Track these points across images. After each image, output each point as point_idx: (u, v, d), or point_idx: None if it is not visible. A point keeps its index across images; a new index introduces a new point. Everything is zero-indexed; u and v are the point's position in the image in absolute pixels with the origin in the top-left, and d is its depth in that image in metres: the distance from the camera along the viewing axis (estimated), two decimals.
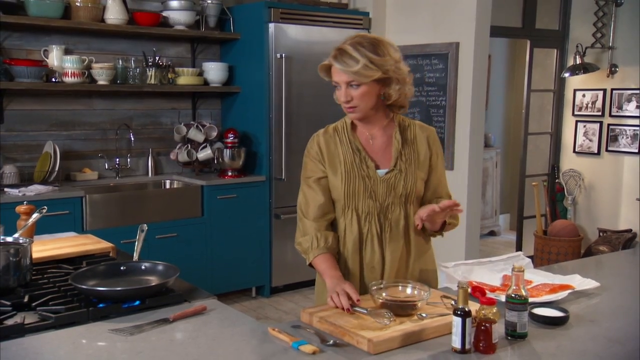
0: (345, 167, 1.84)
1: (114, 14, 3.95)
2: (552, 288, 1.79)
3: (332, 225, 1.90)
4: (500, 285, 1.85)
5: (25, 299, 1.65)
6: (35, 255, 1.90)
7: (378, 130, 1.88)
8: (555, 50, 5.23)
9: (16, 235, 1.91)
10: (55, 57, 3.83)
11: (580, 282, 1.86)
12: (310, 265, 1.86)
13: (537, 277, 1.91)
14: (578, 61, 4.93)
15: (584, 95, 5.12)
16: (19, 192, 3.45)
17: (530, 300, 1.61)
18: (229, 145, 4.28)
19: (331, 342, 1.45)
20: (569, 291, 1.77)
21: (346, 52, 1.76)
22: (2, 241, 1.81)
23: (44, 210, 2.08)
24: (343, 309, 1.59)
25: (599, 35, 4.90)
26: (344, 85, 1.78)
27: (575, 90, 5.17)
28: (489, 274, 1.92)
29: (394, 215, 1.84)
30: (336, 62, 1.77)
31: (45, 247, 2.10)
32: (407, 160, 1.85)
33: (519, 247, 5.25)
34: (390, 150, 1.87)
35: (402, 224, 1.85)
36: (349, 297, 1.61)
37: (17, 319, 1.53)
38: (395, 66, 1.78)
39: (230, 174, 4.28)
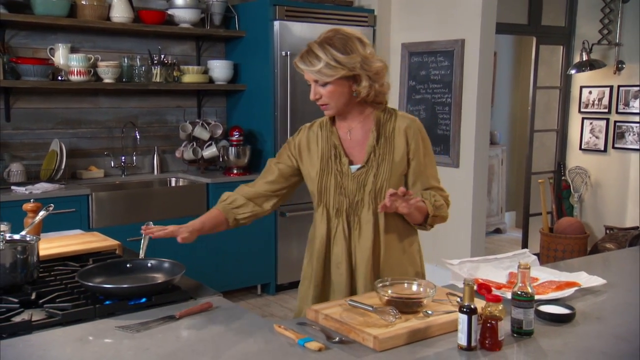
0: (321, 163, 1.87)
1: (120, 12, 3.96)
2: (559, 285, 1.78)
3: (260, 209, 1.93)
4: (506, 282, 1.84)
5: (33, 296, 1.66)
6: (42, 252, 1.91)
7: (357, 124, 1.88)
8: (562, 47, 5.20)
9: (23, 232, 1.92)
10: (61, 55, 3.84)
11: (586, 279, 1.85)
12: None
13: (543, 274, 1.90)
14: (584, 58, 4.91)
15: (590, 92, 5.10)
16: (26, 190, 3.47)
17: (537, 297, 1.61)
18: (234, 143, 4.28)
19: (337, 339, 1.45)
20: (575, 288, 1.76)
21: (312, 51, 1.78)
22: (9, 239, 1.81)
23: (51, 208, 2.08)
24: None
25: (605, 31, 4.87)
26: (313, 83, 1.81)
27: (581, 87, 5.15)
28: (495, 271, 1.91)
29: (363, 212, 1.83)
30: (300, 62, 1.80)
31: (51, 245, 2.11)
32: (380, 155, 1.83)
33: (524, 245, 5.24)
34: (365, 145, 1.86)
35: (372, 221, 1.83)
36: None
37: (25, 316, 1.54)
38: (364, 63, 1.77)
39: (235, 171, 4.28)
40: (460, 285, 1.72)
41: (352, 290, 1.87)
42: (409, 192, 1.69)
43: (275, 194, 1.94)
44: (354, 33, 1.81)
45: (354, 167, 1.84)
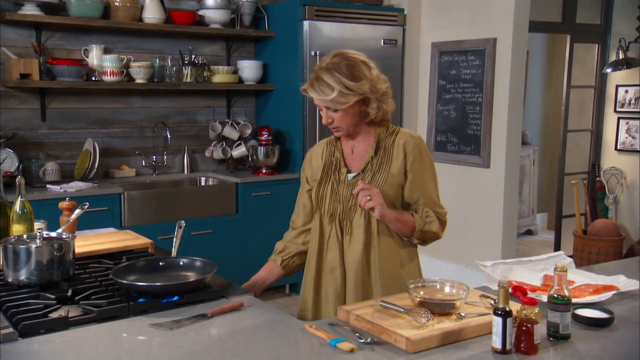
0: (321, 174, 1.93)
1: (152, 14, 4.01)
2: (596, 289, 1.74)
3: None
4: (541, 285, 1.80)
5: (69, 293, 1.69)
6: (77, 250, 1.93)
7: (360, 141, 1.92)
8: (597, 45, 5.09)
9: (59, 230, 1.96)
10: (95, 56, 3.92)
11: (625, 282, 1.80)
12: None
13: (580, 277, 1.86)
14: (621, 56, 4.79)
15: (626, 91, 4.97)
16: (60, 188, 3.54)
17: (573, 301, 1.57)
18: (263, 142, 4.30)
19: (369, 340, 1.44)
20: (613, 292, 1.72)
21: (322, 80, 1.78)
22: (46, 236, 1.85)
23: (86, 206, 2.12)
24: None
25: None
26: (324, 109, 1.84)
27: (617, 86, 5.02)
28: (529, 273, 1.88)
29: (355, 217, 1.85)
30: (312, 91, 1.81)
31: (86, 243, 2.15)
32: (377, 165, 1.86)
33: (557, 247, 5.14)
34: (362, 158, 1.91)
35: (363, 225, 1.83)
36: None
37: (62, 312, 1.57)
38: (372, 86, 1.80)
39: (264, 171, 4.30)
40: (493, 287, 1.70)
41: (345, 296, 1.88)
42: (372, 188, 1.75)
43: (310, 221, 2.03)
44: (359, 57, 1.83)
45: (350, 175, 1.88)
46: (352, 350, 1.37)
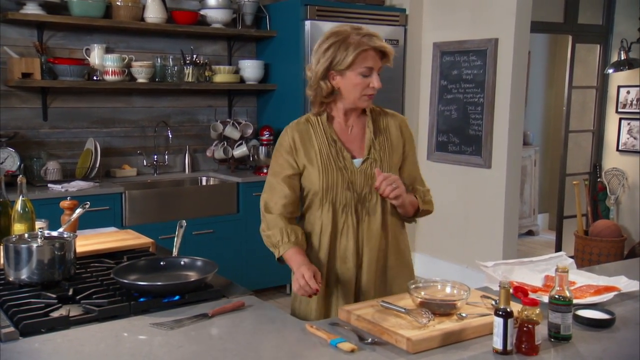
0: (322, 159, 1.84)
1: (154, 13, 4.01)
2: (597, 289, 1.74)
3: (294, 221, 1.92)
4: (542, 285, 1.80)
5: (70, 292, 1.69)
6: (78, 249, 1.94)
7: (355, 119, 1.91)
8: (599, 46, 5.08)
9: (61, 229, 1.96)
10: (96, 55, 3.92)
11: (626, 283, 1.80)
12: (279, 260, 1.87)
13: (581, 277, 1.86)
14: (622, 57, 4.78)
15: (628, 92, 4.96)
16: (62, 187, 3.55)
17: (575, 301, 1.57)
18: (265, 142, 4.30)
19: (369, 340, 1.44)
20: (615, 293, 1.72)
21: (381, 39, 1.80)
22: (47, 235, 1.85)
23: (87, 206, 2.12)
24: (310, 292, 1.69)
25: None
26: (375, 72, 1.81)
27: (619, 87, 5.01)
28: (530, 274, 1.88)
29: (371, 204, 1.86)
30: (385, 45, 1.79)
31: (87, 242, 2.15)
32: (380, 148, 1.88)
33: (558, 247, 5.13)
34: (364, 139, 1.89)
35: (380, 211, 1.86)
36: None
37: (63, 311, 1.57)
38: None
39: (265, 171, 4.30)
40: (494, 288, 1.70)
41: (358, 284, 1.87)
42: (392, 175, 1.76)
43: (295, 209, 1.91)
44: None
45: (357, 161, 1.86)
46: (352, 351, 1.37)
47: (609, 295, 1.69)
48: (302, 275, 1.70)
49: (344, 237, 1.86)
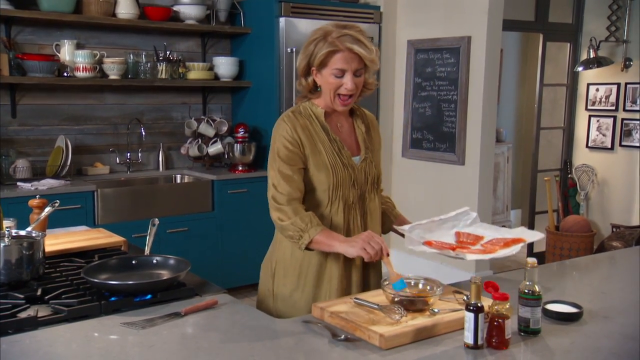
0: (328, 156, 1.80)
1: (125, 9, 3.95)
2: (506, 242, 1.78)
3: None
4: (455, 242, 1.82)
5: (39, 292, 1.66)
6: (47, 248, 1.90)
7: (342, 116, 1.90)
8: (569, 44, 5.17)
9: (29, 228, 1.92)
10: (67, 51, 3.85)
11: (530, 234, 1.86)
12: (307, 247, 1.73)
13: (488, 232, 1.89)
14: (592, 55, 4.87)
15: (597, 90, 5.07)
16: (32, 186, 3.48)
17: (487, 256, 1.67)
18: (240, 139, 4.28)
19: (342, 337, 1.44)
20: (522, 244, 1.77)
21: (363, 39, 1.74)
22: (15, 235, 1.81)
23: (57, 204, 2.08)
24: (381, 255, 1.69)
25: (613, 28, 4.84)
26: (351, 73, 1.74)
27: (588, 85, 5.12)
28: (443, 232, 1.86)
29: (372, 202, 1.88)
30: (359, 47, 1.72)
31: (57, 241, 2.12)
32: (369, 146, 1.91)
33: (530, 243, 5.21)
34: (353, 137, 1.90)
35: (378, 208, 1.92)
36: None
37: (31, 312, 1.54)
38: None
39: (240, 168, 4.28)
40: (415, 248, 1.72)
41: (365, 283, 1.88)
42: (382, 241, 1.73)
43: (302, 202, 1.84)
44: None
45: (356, 159, 1.86)
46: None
47: (517, 247, 1.74)
48: (367, 241, 1.65)
49: (354, 235, 1.81)
